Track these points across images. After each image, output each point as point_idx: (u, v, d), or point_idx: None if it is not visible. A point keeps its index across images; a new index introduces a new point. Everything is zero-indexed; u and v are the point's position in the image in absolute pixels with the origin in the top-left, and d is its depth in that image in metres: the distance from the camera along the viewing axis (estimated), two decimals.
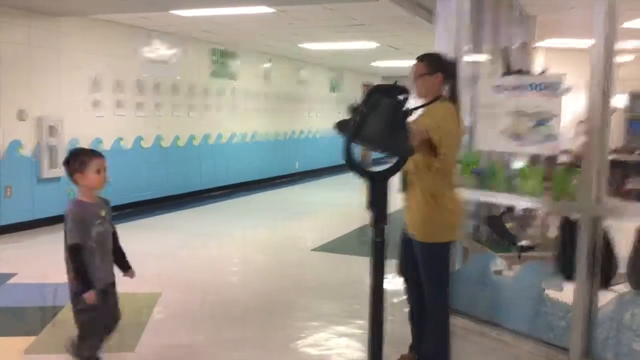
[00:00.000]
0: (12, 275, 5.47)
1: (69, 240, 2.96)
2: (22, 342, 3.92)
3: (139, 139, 9.18)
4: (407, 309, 4.58)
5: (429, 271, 3.34)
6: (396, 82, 2.68)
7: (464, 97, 3.48)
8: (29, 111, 7.39)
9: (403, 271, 3.56)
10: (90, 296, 2.97)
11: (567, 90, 3.69)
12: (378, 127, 2.52)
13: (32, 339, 3.98)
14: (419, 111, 3.32)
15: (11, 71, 7.17)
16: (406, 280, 3.56)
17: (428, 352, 3.47)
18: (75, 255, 2.95)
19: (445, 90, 3.36)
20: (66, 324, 4.33)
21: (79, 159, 3.01)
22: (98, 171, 3.01)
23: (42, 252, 6.59)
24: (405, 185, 3.30)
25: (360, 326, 4.11)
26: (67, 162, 3.03)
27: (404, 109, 2.61)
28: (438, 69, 3.33)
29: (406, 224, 3.43)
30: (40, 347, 3.90)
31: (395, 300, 4.84)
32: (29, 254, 6.46)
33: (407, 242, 3.44)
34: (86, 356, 3.17)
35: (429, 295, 3.38)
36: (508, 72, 4.03)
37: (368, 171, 2.76)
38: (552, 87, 3.70)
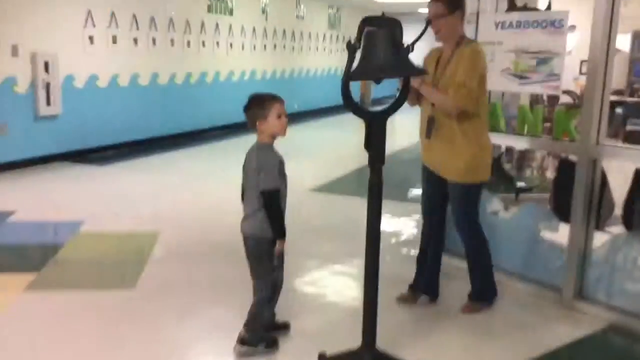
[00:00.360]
0: (10, 213, 5.48)
1: (264, 185, 2.83)
2: (23, 279, 3.97)
3: (136, 76, 9.05)
4: (405, 249, 4.65)
5: (467, 211, 3.40)
6: (383, 13, 2.62)
7: (466, 34, 3.39)
8: (23, 47, 7.25)
9: (428, 212, 3.59)
10: (281, 244, 2.86)
11: (571, 28, 3.59)
12: (382, 55, 2.47)
13: (33, 276, 4.03)
14: (452, 58, 3.24)
15: (3, 5, 6.98)
16: (430, 221, 3.59)
17: (475, 289, 3.58)
18: (273, 200, 2.84)
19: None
20: (68, 261, 4.39)
21: (260, 104, 2.86)
22: (279, 116, 2.85)
23: (41, 190, 6.60)
24: (430, 132, 3.29)
25: (358, 265, 4.15)
26: (248, 108, 2.89)
27: (404, 46, 2.55)
28: (457, 6, 3.22)
29: (435, 167, 3.42)
30: (42, 284, 3.94)
31: (393, 241, 4.89)
32: (27, 193, 6.47)
33: (434, 183, 3.46)
34: (261, 325, 3.00)
35: (468, 234, 3.45)
36: (512, 7, 3.91)
37: (366, 110, 2.72)
38: (555, 24, 3.61)
